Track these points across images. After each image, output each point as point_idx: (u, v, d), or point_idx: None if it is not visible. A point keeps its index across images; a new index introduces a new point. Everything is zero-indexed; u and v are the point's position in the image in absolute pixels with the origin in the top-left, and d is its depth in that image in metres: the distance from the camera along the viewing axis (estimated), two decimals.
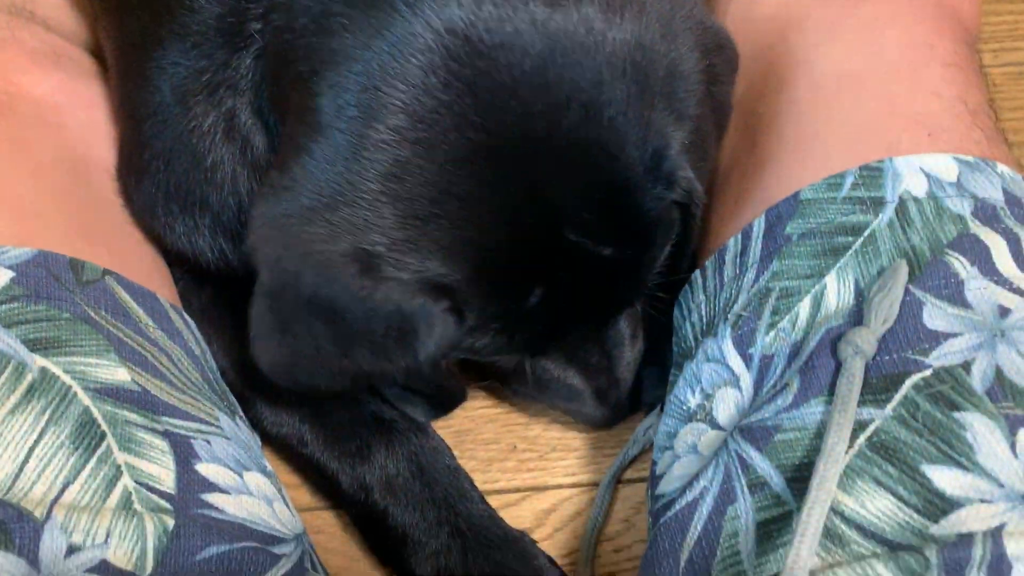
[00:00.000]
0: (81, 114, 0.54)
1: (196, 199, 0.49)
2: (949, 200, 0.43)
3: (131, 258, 0.52)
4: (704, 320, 0.49)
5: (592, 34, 0.38)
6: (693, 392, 0.46)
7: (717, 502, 0.41)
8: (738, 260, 0.47)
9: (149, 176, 0.50)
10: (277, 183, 0.40)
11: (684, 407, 0.47)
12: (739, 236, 0.48)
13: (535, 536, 0.56)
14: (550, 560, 0.55)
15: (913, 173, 0.44)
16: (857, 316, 0.41)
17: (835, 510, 0.36)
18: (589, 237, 0.40)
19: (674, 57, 0.42)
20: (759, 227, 0.47)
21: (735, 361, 0.44)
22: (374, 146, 0.37)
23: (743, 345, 0.44)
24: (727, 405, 0.44)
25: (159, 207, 0.51)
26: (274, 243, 0.40)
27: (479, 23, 0.37)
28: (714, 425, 0.44)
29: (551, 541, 0.56)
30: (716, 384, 0.45)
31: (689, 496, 0.43)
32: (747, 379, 0.43)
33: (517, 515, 0.57)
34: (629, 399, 0.54)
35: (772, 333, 0.43)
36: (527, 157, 0.38)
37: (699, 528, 0.41)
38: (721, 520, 0.40)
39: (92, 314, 0.45)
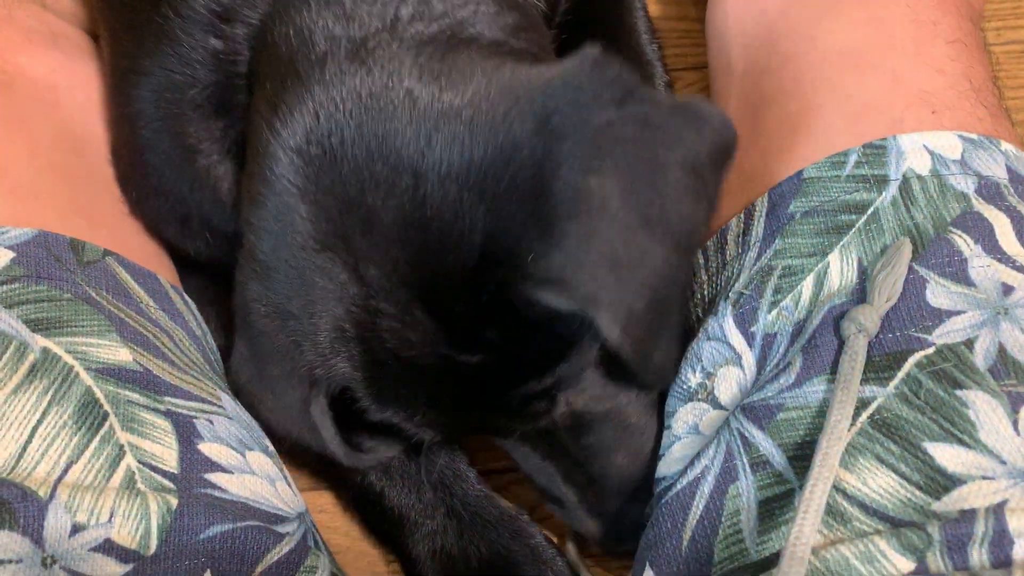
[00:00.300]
0: (79, 94, 0.54)
1: (183, 201, 0.50)
2: (953, 178, 0.43)
3: (131, 238, 0.52)
4: (705, 299, 0.49)
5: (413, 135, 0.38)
6: (694, 371, 0.45)
7: (719, 481, 0.41)
8: (740, 239, 0.47)
9: (140, 174, 0.51)
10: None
11: (685, 386, 0.46)
12: (741, 216, 0.47)
13: (532, 517, 0.55)
14: (547, 539, 0.55)
15: (917, 151, 0.43)
16: (860, 294, 0.41)
17: (837, 488, 0.36)
18: (408, 329, 0.40)
19: (538, 160, 0.37)
20: (762, 206, 0.46)
21: (736, 339, 0.44)
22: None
23: (745, 323, 0.44)
24: (729, 384, 0.43)
25: (150, 203, 0.52)
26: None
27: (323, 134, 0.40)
28: (716, 405, 0.44)
29: (549, 523, 0.56)
30: (717, 363, 0.44)
31: (690, 475, 0.43)
32: (749, 358, 0.43)
33: (515, 496, 0.56)
34: (631, 510, 0.48)
35: (775, 312, 0.43)
36: (370, 222, 0.39)
37: (701, 507, 0.41)
38: (723, 499, 0.40)
39: (93, 294, 0.45)
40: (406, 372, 0.41)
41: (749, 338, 0.43)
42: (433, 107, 0.38)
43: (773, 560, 0.37)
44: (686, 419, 0.45)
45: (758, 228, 0.46)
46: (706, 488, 0.41)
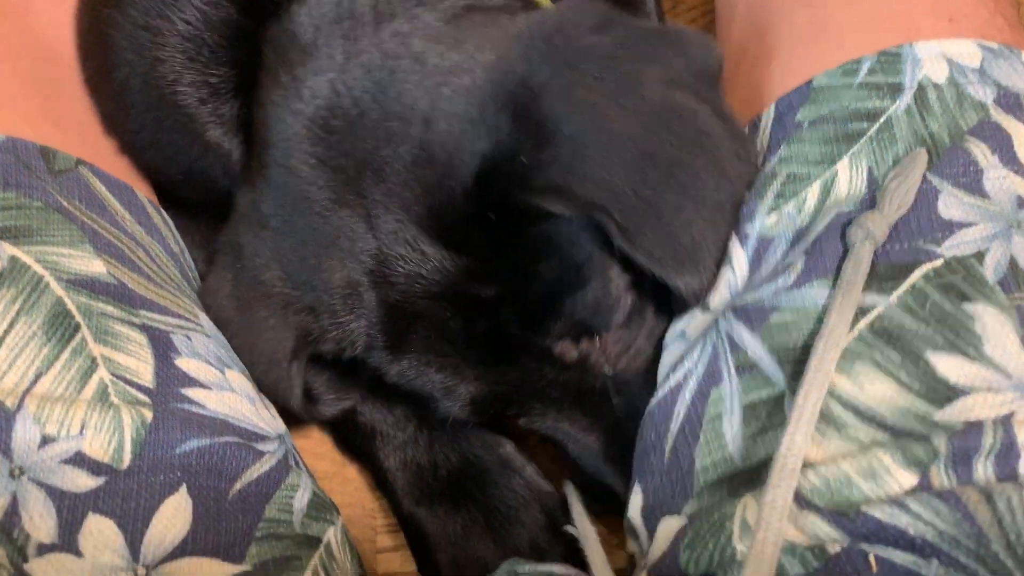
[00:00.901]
0: (47, 2, 0.51)
1: (184, 162, 0.51)
2: (971, 87, 0.41)
3: (106, 150, 0.50)
4: None
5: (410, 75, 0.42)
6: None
7: (701, 384, 0.40)
8: None
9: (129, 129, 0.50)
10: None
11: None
12: (747, 128, 0.45)
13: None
14: (517, 448, 0.53)
15: (934, 59, 0.41)
16: (869, 203, 0.39)
17: (831, 392, 0.35)
18: (423, 267, 0.41)
19: (522, 74, 0.40)
20: (768, 117, 0.44)
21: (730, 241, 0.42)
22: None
23: (740, 225, 0.41)
24: (719, 287, 0.41)
25: (141, 152, 0.51)
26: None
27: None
28: (704, 307, 0.42)
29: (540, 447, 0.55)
30: None
31: (672, 381, 0.41)
32: (741, 257, 0.41)
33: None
34: None
35: (774, 216, 0.40)
36: (383, 171, 0.42)
37: (682, 414, 0.40)
38: (704, 404, 0.39)
39: (65, 204, 0.43)
40: (426, 321, 0.42)
41: (742, 238, 0.41)
42: (440, 65, 0.42)
43: (761, 469, 0.36)
44: (674, 327, 0.44)
45: (764, 136, 0.44)
46: (687, 393, 0.40)
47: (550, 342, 0.43)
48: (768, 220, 0.41)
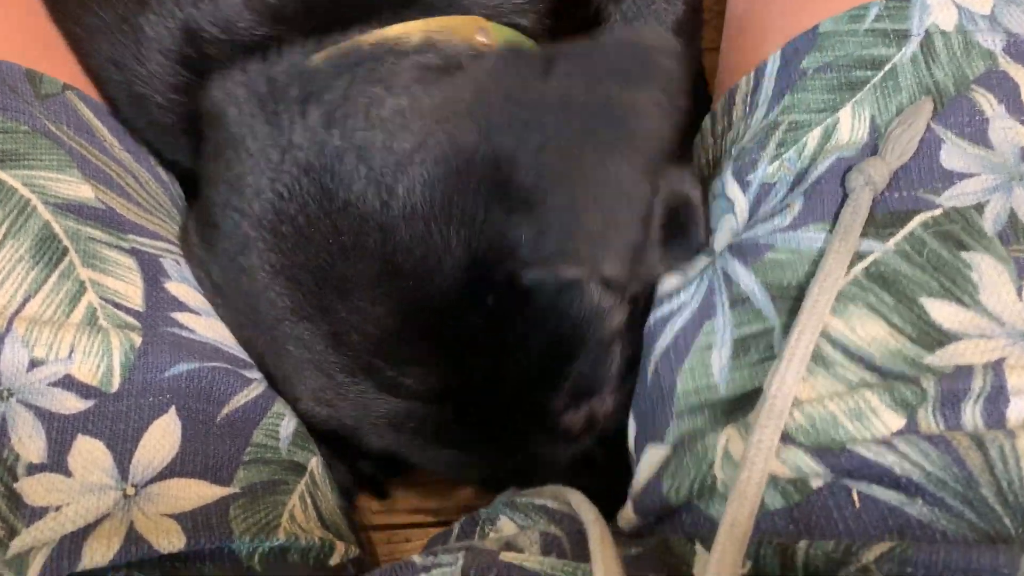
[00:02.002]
0: None
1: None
2: (980, 34, 0.39)
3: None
4: (710, 163, 0.46)
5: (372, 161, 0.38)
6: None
7: (695, 316, 0.39)
8: (748, 98, 0.44)
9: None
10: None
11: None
12: (752, 74, 0.44)
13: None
14: None
15: (943, 5, 0.40)
16: (871, 150, 0.38)
17: (821, 332, 0.34)
18: (408, 377, 0.39)
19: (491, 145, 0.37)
20: (774, 63, 0.43)
21: (732, 189, 0.41)
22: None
23: (742, 173, 0.41)
24: (722, 232, 0.41)
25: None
26: None
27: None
28: (708, 253, 0.42)
29: None
30: (717, 217, 0.42)
31: (665, 309, 0.41)
32: (743, 204, 0.40)
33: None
34: None
35: (776, 163, 0.40)
36: (346, 289, 0.39)
37: (669, 339, 0.40)
38: (697, 333, 0.39)
39: (52, 128, 0.42)
40: (417, 425, 0.41)
41: (744, 186, 0.40)
42: (387, 160, 0.38)
43: (744, 400, 0.36)
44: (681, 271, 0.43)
45: (767, 86, 0.43)
46: (679, 321, 0.40)
47: (555, 418, 0.42)
48: (770, 169, 0.40)
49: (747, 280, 0.38)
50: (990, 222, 0.35)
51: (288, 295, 0.40)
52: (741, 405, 0.36)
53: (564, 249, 0.37)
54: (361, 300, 0.38)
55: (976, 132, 0.37)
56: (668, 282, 0.43)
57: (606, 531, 0.30)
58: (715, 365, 0.37)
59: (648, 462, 0.38)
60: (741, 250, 0.39)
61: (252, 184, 0.39)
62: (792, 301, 0.36)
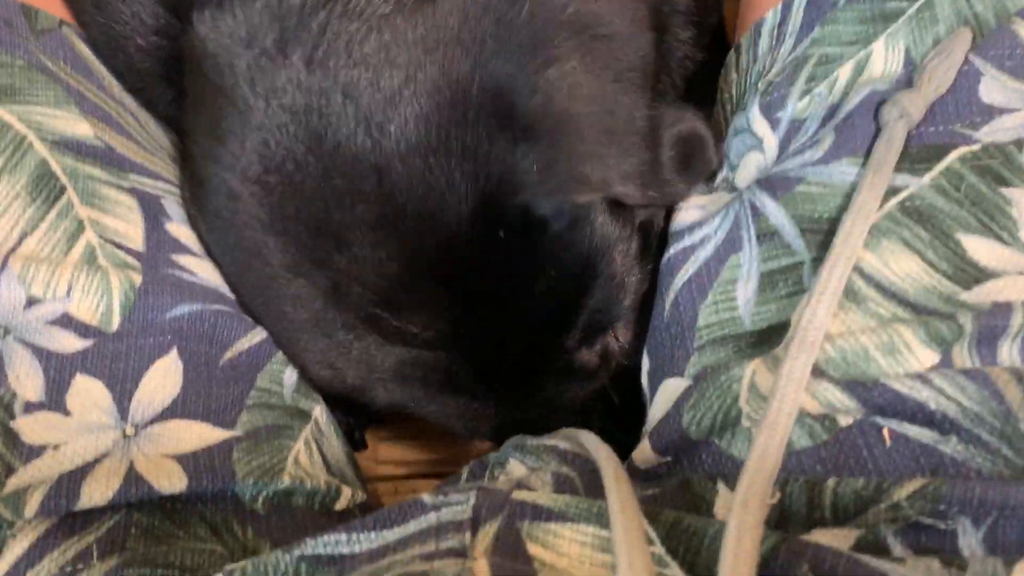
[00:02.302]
0: None
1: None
2: None
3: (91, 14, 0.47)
4: (734, 99, 0.44)
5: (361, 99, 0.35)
6: (720, 168, 0.41)
7: (719, 250, 0.38)
8: (775, 31, 0.41)
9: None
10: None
11: (709, 185, 0.42)
12: (779, 7, 0.42)
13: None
14: None
15: None
16: (905, 83, 0.36)
17: (854, 266, 0.33)
18: (410, 319, 0.37)
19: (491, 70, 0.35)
20: None
21: (760, 126, 0.39)
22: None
23: (771, 110, 0.39)
24: (748, 169, 0.39)
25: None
26: None
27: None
28: (732, 190, 0.40)
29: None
30: (741, 153, 0.40)
31: (687, 241, 0.39)
32: (772, 141, 0.38)
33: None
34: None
35: (806, 99, 0.38)
36: (343, 238, 0.36)
37: (691, 271, 0.38)
38: (720, 267, 0.37)
39: (49, 64, 0.40)
40: (431, 370, 0.39)
41: (774, 123, 0.38)
42: (375, 98, 0.35)
43: (770, 333, 0.34)
44: (699, 203, 0.41)
45: (796, 18, 0.41)
46: (702, 254, 0.38)
47: (570, 356, 0.40)
48: (800, 104, 0.38)
49: (776, 213, 0.36)
50: None
51: (280, 252, 0.37)
52: (767, 339, 0.35)
53: (575, 176, 0.36)
54: (361, 248, 0.36)
55: (1017, 65, 0.35)
56: (687, 215, 0.41)
57: (620, 468, 0.29)
58: (740, 298, 0.36)
59: (666, 395, 0.37)
60: (770, 183, 0.37)
61: (236, 134, 0.37)
62: (823, 235, 0.34)
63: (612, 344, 0.42)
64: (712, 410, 0.33)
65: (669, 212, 0.42)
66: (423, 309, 0.37)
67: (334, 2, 0.36)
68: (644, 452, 0.37)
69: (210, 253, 0.41)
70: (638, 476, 0.36)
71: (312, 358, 0.40)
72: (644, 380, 0.40)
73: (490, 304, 0.37)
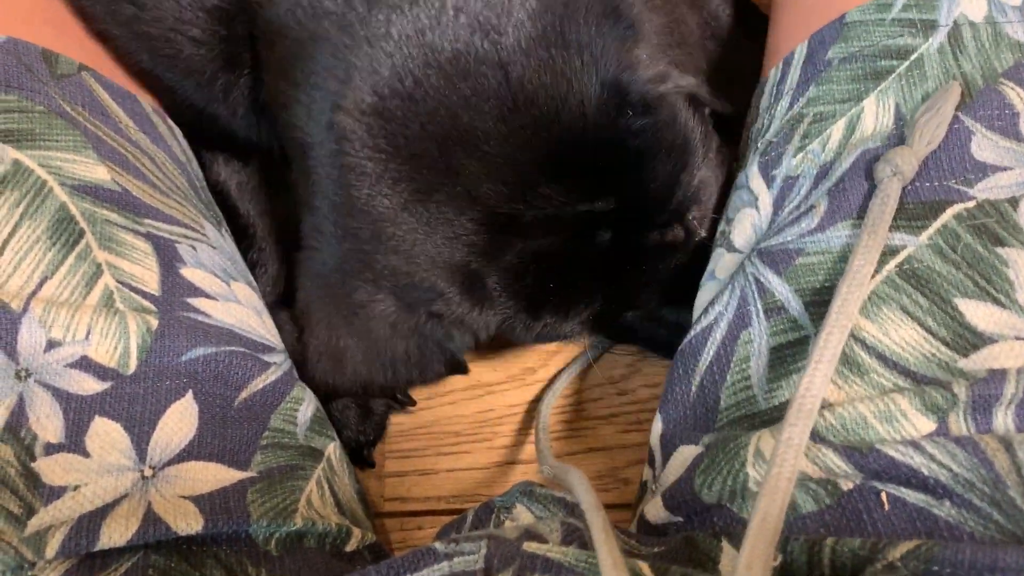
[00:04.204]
0: None
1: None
2: (1009, 26, 0.37)
3: (108, 57, 0.47)
4: (738, 154, 0.44)
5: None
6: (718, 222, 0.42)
7: (731, 327, 0.38)
8: (775, 89, 0.42)
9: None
10: (306, 242, 0.42)
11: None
12: (780, 65, 0.42)
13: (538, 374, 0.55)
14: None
15: None
16: (897, 140, 0.36)
17: (856, 337, 0.33)
18: (557, 196, 0.38)
19: None
20: (800, 53, 0.41)
21: (756, 183, 0.40)
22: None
23: (768, 168, 0.39)
24: (743, 226, 0.39)
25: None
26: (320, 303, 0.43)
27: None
28: (730, 247, 0.40)
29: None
30: (737, 208, 0.41)
31: (704, 322, 0.40)
32: (766, 198, 0.39)
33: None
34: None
35: (800, 155, 0.38)
36: (473, 140, 0.37)
37: (712, 353, 0.38)
38: (734, 345, 0.37)
39: (68, 109, 0.40)
40: (545, 257, 0.40)
41: (769, 180, 0.39)
42: (488, 2, 0.37)
43: (781, 410, 0.35)
44: (709, 271, 0.41)
45: (793, 76, 0.41)
46: (718, 334, 0.38)
47: (663, 233, 0.42)
48: (794, 161, 0.38)
49: (781, 289, 0.37)
50: None
51: (408, 178, 0.37)
52: (780, 413, 0.35)
53: (677, 65, 0.39)
54: (493, 145, 0.37)
55: (1007, 126, 0.35)
56: (703, 288, 0.41)
57: (607, 519, 0.29)
58: (754, 377, 0.36)
59: (679, 459, 0.37)
60: (772, 257, 0.38)
61: (340, 74, 0.37)
62: (824, 305, 0.35)
63: (692, 221, 0.43)
64: (721, 475, 0.33)
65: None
66: (549, 202, 0.38)
67: None
68: (656, 509, 0.37)
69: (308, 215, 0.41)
70: (646, 530, 0.37)
71: (437, 260, 0.40)
72: (654, 440, 0.41)
73: (611, 184, 0.39)
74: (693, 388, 0.39)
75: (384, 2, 0.37)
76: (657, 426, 0.40)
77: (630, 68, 0.38)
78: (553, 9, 0.36)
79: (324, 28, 0.37)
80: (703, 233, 0.44)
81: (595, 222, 0.40)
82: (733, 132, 0.46)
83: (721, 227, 0.42)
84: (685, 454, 0.37)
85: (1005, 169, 0.35)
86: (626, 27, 0.38)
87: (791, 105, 0.40)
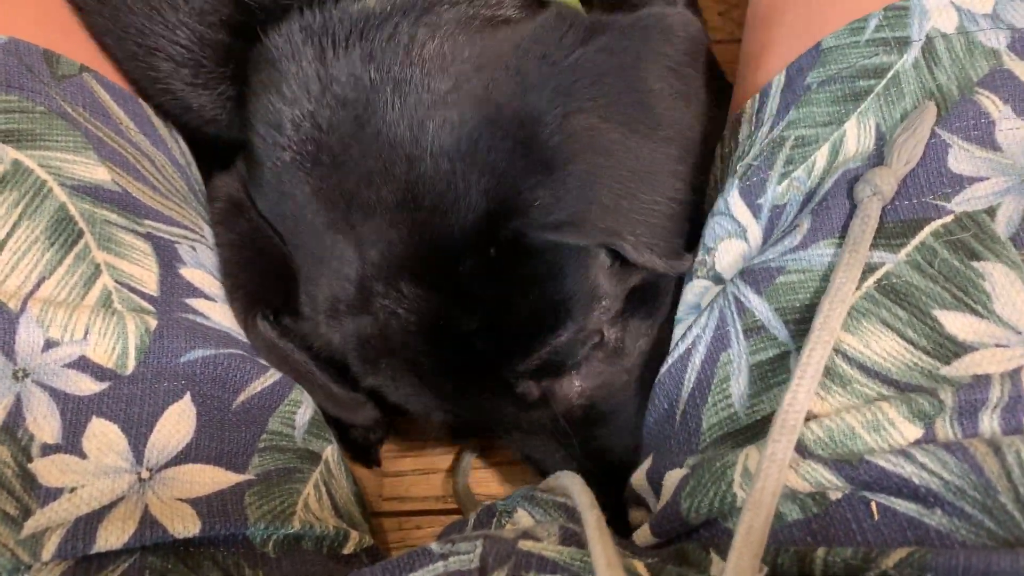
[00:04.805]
0: None
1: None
2: (982, 34, 0.38)
3: (111, 59, 0.47)
4: (718, 183, 0.44)
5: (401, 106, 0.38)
6: (696, 251, 0.42)
7: (710, 349, 0.38)
8: (754, 118, 0.42)
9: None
10: None
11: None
12: (756, 96, 0.43)
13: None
14: None
15: (942, 9, 0.38)
16: (877, 159, 0.37)
17: (837, 349, 0.33)
18: (400, 305, 0.39)
19: (524, 105, 0.37)
20: (778, 83, 0.42)
21: (741, 211, 0.40)
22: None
23: (751, 195, 0.39)
24: (732, 258, 0.39)
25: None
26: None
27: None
28: (717, 280, 0.40)
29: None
30: (718, 237, 0.40)
31: (682, 347, 0.39)
32: (755, 230, 0.39)
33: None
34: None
35: (785, 183, 0.38)
36: (370, 208, 0.39)
37: (692, 380, 0.38)
38: (714, 368, 0.37)
39: (69, 110, 0.40)
40: (398, 355, 0.40)
41: (755, 210, 0.39)
42: (422, 98, 0.38)
43: (764, 424, 0.35)
44: (687, 299, 0.41)
45: (772, 104, 0.41)
46: (697, 359, 0.38)
47: (514, 381, 0.41)
48: (779, 189, 0.38)
49: (761, 308, 0.37)
50: (1003, 225, 0.34)
51: (322, 213, 0.41)
52: (763, 428, 0.35)
53: (575, 220, 0.37)
54: (380, 222, 0.39)
55: (983, 135, 0.36)
56: (684, 323, 0.41)
57: (602, 518, 0.29)
58: (735, 395, 0.36)
59: (668, 485, 0.36)
60: (753, 276, 0.38)
61: (293, 119, 0.41)
62: (805, 323, 0.35)
63: (565, 387, 0.42)
64: (708, 496, 0.33)
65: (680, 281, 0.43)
66: (410, 299, 0.39)
67: (412, 9, 0.40)
68: (645, 535, 0.37)
69: (267, 220, 0.44)
70: (635, 551, 0.36)
71: (326, 299, 0.42)
72: (640, 480, 0.40)
73: (471, 305, 0.39)
74: (677, 419, 0.39)
75: (345, 68, 0.40)
76: (647, 462, 0.40)
77: (514, 204, 0.37)
78: (476, 123, 0.37)
79: (297, 73, 0.41)
80: (573, 403, 0.43)
81: (448, 339, 0.40)
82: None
83: (700, 256, 0.41)
84: (672, 477, 0.36)
85: (982, 179, 0.35)
86: (538, 161, 0.37)
87: (771, 130, 0.41)
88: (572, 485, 0.34)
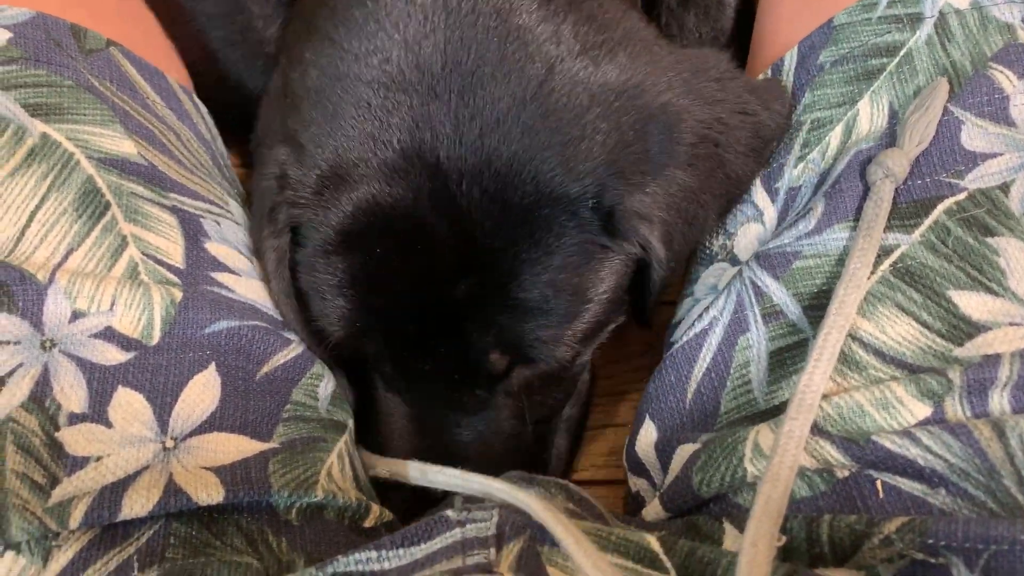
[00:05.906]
0: None
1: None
2: (996, 8, 0.37)
3: (137, 33, 0.45)
4: None
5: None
6: (716, 235, 0.41)
7: (728, 332, 0.37)
8: None
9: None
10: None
11: (707, 251, 0.42)
12: (768, 72, 0.42)
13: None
14: None
15: None
16: (890, 138, 0.36)
17: (853, 336, 0.33)
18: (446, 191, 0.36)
19: (652, 112, 0.36)
20: (791, 60, 0.41)
21: (760, 196, 0.39)
22: None
23: (770, 180, 0.39)
24: (748, 240, 0.39)
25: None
26: None
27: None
28: (735, 262, 0.40)
29: None
30: (739, 222, 0.40)
31: (697, 327, 0.39)
32: (771, 212, 0.39)
33: None
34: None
35: (801, 166, 0.38)
36: (442, 103, 0.36)
37: (708, 359, 0.38)
38: (732, 350, 0.37)
39: (96, 84, 0.40)
40: (410, 233, 0.37)
41: (773, 194, 0.39)
42: (582, 30, 0.37)
43: (781, 410, 0.34)
44: (707, 281, 0.41)
45: (786, 82, 0.41)
46: (714, 340, 0.38)
47: (490, 344, 0.38)
48: (795, 171, 0.38)
49: (779, 293, 0.36)
50: (1017, 201, 0.34)
51: (399, 66, 0.37)
52: (778, 411, 0.34)
53: (652, 218, 0.38)
54: (486, 105, 0.36)
55: (996, 111, 0.35)
56: (702, 303, 0.41)
57: (569, 523, 0.28)
58: (754, 381, 0.36)
59: (678, 459, 0.36)
60: (769, 261, 0.37)
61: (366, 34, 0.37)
62: (822, 308, 0.34)
63: (521, 373, 0.41)
64: (720, 471, 0.33)
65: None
66: (472, 196, 0.36)
67: None
68: (656, 511, 0.36)
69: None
70: (645, 528, 0.36)
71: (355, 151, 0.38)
72: (646, 448, 0.39)
73: (513, 242, 0.37)
74: (689, 395, 0.38)
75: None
76: (650, 434, 0.39)
77: (626, 179, 0.36)
78: (636, 80, 0.37)
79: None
80: (528, 420, 0.42)
81: (477, 263, 0.37)
82: None
83: (722, 240, 0.41)
84: (684, 452, 0.36)
85: (995, 155, 0.35)
86: (663, 152, 0.37)
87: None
88: (534, 504, 0.31)
